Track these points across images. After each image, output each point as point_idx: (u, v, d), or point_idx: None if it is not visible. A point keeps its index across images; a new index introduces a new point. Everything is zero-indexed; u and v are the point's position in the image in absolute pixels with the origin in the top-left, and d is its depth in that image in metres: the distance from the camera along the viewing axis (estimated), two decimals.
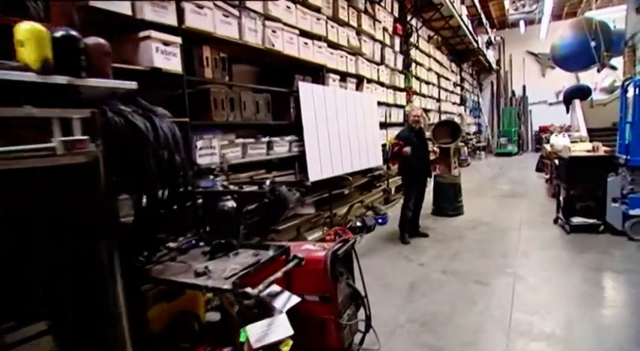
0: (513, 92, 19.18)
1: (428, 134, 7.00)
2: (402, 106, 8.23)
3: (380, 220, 6.13)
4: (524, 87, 18.73)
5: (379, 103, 6.99)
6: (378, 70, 6.91)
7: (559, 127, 11.94)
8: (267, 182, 2.80)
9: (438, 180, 6.49)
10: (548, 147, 8.52)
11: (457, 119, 14.10)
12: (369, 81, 6.57)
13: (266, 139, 4.14)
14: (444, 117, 12.06)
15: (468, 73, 16.86)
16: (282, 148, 4.39)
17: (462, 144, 14.22)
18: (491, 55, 17.03)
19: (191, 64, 3.30)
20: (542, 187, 8.64)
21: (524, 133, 18.47)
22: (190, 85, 3.28)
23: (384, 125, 7.30)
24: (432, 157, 6.70)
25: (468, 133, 15.73)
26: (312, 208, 4.64)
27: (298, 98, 4.53)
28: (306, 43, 4.71)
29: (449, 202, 6.38)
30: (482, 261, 4.28)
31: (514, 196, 7.94)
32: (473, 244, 4.90)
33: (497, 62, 19.02)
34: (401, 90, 8.21)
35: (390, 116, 7.60)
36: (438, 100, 11.74)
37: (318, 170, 4.78)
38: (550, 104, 17.86)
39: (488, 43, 15.82)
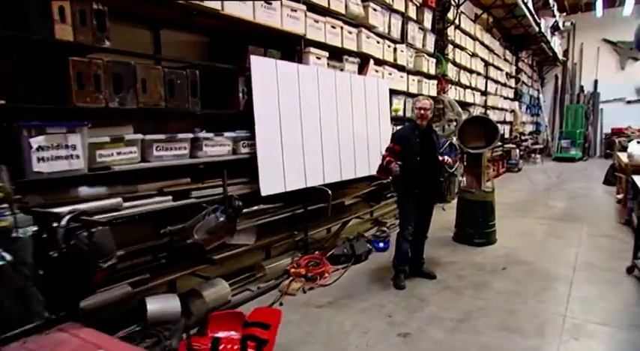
0: (582, 88, 16.40)
1: (454, 140, 5.39)
2: (431, 98, 6.62)
3: (380, 245, 4.69)
4: (595, 82, 15.92)
5: (396, 92, 5.50)
6: (395, 49, 5.40)
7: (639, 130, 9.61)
8: (66, 218, 1.54)
9: (464, 196, 4.91)
10: (623, 157, 6.52)
11: (509, 117, 12.05)
12: (380, 63, 5.09)
13: (186, 135, 2.89)
14: (493, 115, 10.16)
15: (526, 63, 14.50)
16: (219, 147, 3.12)
17: (514, 146, 12.15)
18: (557, 43, 14.51)
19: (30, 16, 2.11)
20: (612, 208, 6.68)
21: (592, 136, 15.76)
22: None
23: (401, 120, 5.78)
24: (454, 167, 5.15)
25: (522, 133, 13.52)
26: (251, 237, 3.33)
27: (250, 79, 3.23)
28: (268, 4, 3.37)
29: (476, 227, 4.79)
30: (504, 341, 2.76)
31: (571, 220, 6.09)
32: (496, 302, 3.35)
33: (565, 52, 16.33)
34: (430, 77, 6.60)
35: (413, 109, 6.05)
36: (485, 93, 9.86)
37: (277, 179, 3.46)
38: (628, 102, 15.02)
39: (555, 29, 13.36)
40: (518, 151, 12.25)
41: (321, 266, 3.90)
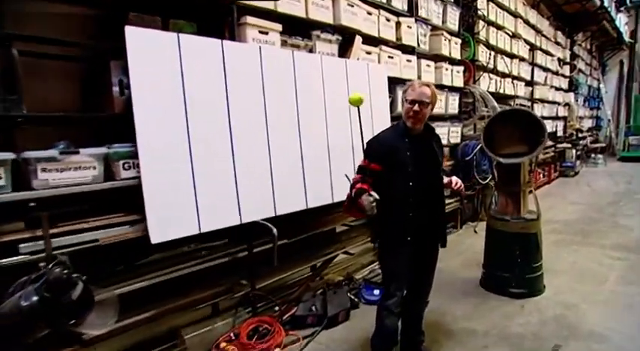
0: None
1: (478, 142, 3.93)
2: (456, 89, 5.17)
3: (375, 293, 3.35)
4: None
5: (401, 82, 4.12)
6: (398, 24, 4.03)
7: None
8: None
9: (495, 225, 3.45)
10: None
11: (563, 111, 10.10)
12: (374, 42, 3.75)
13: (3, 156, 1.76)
14: (542, 110, 8.38)
15: (583, 48, 12.30)
16: (75, 172, 1.97)
17: (569, 145, 10.18)
18: (622, 21, 12.23)
19: None
20: None
21: None
22: None
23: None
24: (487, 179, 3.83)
25: (580, 130, 11.44)
26: (106, 319, 2.08)
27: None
28: None
29: (513, 270, 3.32)
30: None
31: None
32: None
33: (632, 34, 13.88)
34: (454, 63, 5.13)
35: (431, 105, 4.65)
36: (531, 83, 8.11)
37: (185, 216, 2.25)
38: None
39: (620, 4, 11.17)
40: (574, 151, 10.26)
41: (270, 337, 2.65)
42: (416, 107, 2.10)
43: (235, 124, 2.47)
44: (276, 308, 2.99)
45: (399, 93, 4.02)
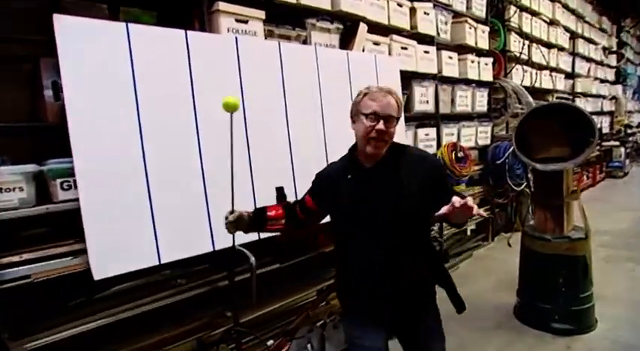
0: None
1: (510, 143, 3.31)
2: (484, 84, 4.57)
3: None
4: None
5: (418, 76, 3.61)
6: (413, 10, 3.50)
7: None
8: None
9: (532, 246, 2.85)
10: None
11: (609, 105, 9.12)
12: (383, 31, 3.25)
13: None
14: (585, 105, 7.53)
15: (632, 34, 11.15)
16: None
17: (617, 143, 9.17)
18: None
19: None
20: None
21: None
22: None
23: (432, 118, 3.87)
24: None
25: (629, 126, 10.36)
26: None
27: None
28: None
29: (556, 299, 2.71)
30: None
31: None
32: None
33: None
34: (481, 54, 4.53)
35: (453, 102, 4.09)
36: (571, 75, 7.29)
37: (137, 244, 1.85)
38: None
39: None
40: (622, 149, 9.24)
41: None
42: (380, 125, 1.38)
43: (205, 132, 2.05)
44: (270, 342, 2.55)
45: (417, 89, 3.53)
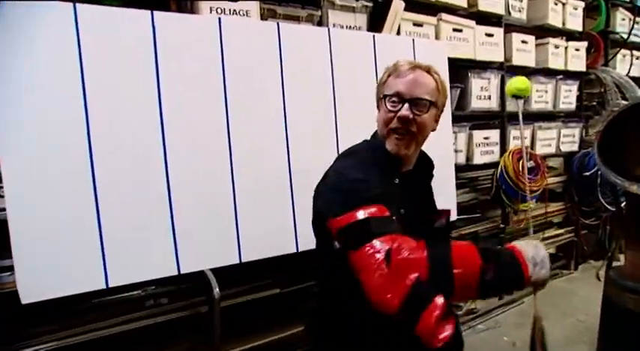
0: None
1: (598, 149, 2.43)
2: (573, 75, 3.65)
3: None
4: None
5: (478, 66, 2.92)
6: None
7: None
8: None
9: (620, 300, 2.04)
10: None
11: None
12: (434, 9, 2.63)
13: None
14: None
15: None
16: None
17: None
18: None
19: None
20: None
21: None
22: None
23: (495, 117, 3.15)
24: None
25: None
26: None
27: None
28: None
29: None
30: None
31: None
32: None
33: None
34: (572, 37, 3.61)
35: (531, 99, 3.31)
36: None
37: (79, 265, 1.57)
38: None
39: None
40: None
41: None
42: (404, 111, 1.03)
43: (172, 126, 1.71)
44: None
45: (474, 82, 2.86)
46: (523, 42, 3.18)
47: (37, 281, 1.49)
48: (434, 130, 1.13)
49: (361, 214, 0.90)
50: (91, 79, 1.55)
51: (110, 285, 1.61)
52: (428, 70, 1.09)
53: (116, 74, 1.60)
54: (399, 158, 1.10)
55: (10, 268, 1.55)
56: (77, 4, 1.53)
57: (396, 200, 1.03)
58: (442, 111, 1.13)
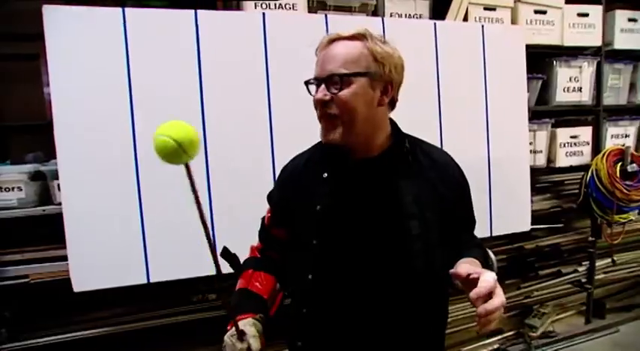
0: None
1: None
2: None
3: None
4: None
5: (573, 52, 2.51)
6: None
7: None
8: None
9: None
10: None
11: None
12: None
13: None
14: None
15: None
16: None
17: None
18: None
19: None
20: None
21: None
22: None
23: (587, 113, 2.69)
24: None
25: None
26: None
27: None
28: None
29: None
30: None
31: None
32: None
33: None
34: None
35: (634, 89, 2.78)
36: None
37: (119, 257, 1.64)
38: None
39: None
40: None
41: None
42: (317, 94, 0.87)
43: (214, 128, 1.70)
44: None
45: (561, 72, 2.50)
46: (631, 20, 2.65)
47: (87, 271, 1.59)
48: (382, 105, 0.88)
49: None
50: (139, 76, 1.59)
51: (152, 280, 1.67)
52: (352, 37, 0.86)
53: (160, 71, 1.63)
54: (334, 148, 0.90)
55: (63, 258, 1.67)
56: (127, 9, 1.58)
57: (318, 195, 0.91)
58: (394, 81, 0.88)
